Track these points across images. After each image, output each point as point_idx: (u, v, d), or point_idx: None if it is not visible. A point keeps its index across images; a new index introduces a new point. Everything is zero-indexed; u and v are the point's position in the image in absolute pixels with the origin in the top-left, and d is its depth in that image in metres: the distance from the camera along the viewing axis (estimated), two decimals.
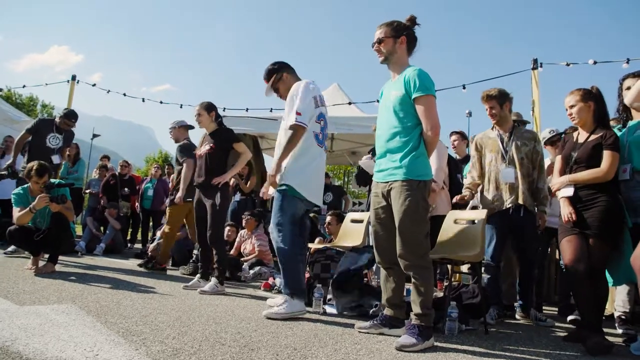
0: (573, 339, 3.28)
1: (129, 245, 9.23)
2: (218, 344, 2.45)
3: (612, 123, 4.14)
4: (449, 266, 4.16)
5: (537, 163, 3.99)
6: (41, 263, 4.85)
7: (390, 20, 3.09)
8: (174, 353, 2.22)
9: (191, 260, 6.08)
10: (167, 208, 5.88)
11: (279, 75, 3.91)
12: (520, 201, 3.89)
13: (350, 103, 8.79)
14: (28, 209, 4.68)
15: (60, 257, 5.36)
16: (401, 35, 3.01)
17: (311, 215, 6.65)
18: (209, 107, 4.87)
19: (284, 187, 3.57)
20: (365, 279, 4.62)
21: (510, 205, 3.92)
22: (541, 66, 6.37)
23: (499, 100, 3.99)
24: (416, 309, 2.79)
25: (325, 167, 3.97)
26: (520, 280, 4.06)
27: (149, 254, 6.65)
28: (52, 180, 5.13)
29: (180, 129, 5.88)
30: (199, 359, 2.16)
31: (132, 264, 6.58)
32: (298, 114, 3.55)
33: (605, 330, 3.19)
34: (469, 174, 4.26)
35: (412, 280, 2.86)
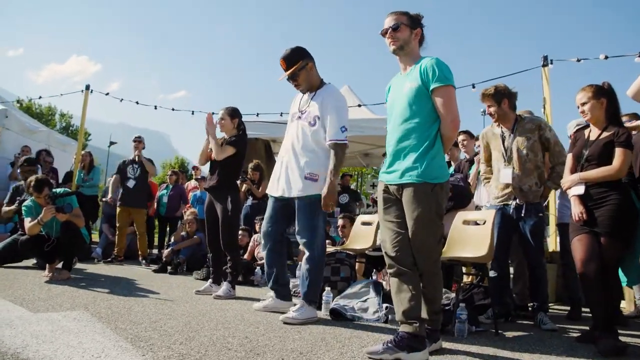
0: (586, 340, 3.23)
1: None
2: (225, 349, 2.46)
3: (624, 118, 4.07)
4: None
5: (551, 148, 3.94)
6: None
7: (401, 10, 2.85)
8: (180, 358, 2.24)
9: (205, 265, 6.13)
10: None
11: (305, 63, 3.70)
12: (520, 201, 3.87)
13: (360, 105, 8.77)
14: (36, 221, 4.81)
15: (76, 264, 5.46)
16: (417, 27, 2.82)
17: None
18: (234, 113, 4.81)
19: (320, 197, 3.52)
20: (377, 278, 4.60)
21: (511, 204, 3.90)
22: (551, 63, 6.29)
23: (495, 97, 3.94)
24: (423, 314, 2.69)
25: None
26: (529, 281, 4.02)
27: (164, 259, 6.73)
28: (56, 190, 5.25)
29: None
30: None
31: (147, 269, 6.67)
32: (344, 129, 3.56)
33: (619, 331, 3.13)
34: (482, 165, 4.33)
35: (421, 286, 2.70)
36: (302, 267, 3.60)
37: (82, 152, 9.07)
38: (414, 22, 2.81)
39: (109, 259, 7.24)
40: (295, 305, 3.51)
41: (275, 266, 3.81)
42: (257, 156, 8.93)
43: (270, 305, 3.80)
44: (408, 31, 2.79)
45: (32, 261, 5.88)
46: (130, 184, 7.35)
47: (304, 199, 3.56)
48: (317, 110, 3.64)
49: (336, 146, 3.54)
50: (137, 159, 7.53)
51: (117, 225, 7.42)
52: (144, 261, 7.32)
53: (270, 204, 3.83)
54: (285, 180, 3.66)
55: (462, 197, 4.56)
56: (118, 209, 7.43)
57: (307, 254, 3.58)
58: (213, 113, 4.80)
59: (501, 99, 3.95)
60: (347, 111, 3.72)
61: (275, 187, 3.75)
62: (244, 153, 4.83)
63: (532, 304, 4.00)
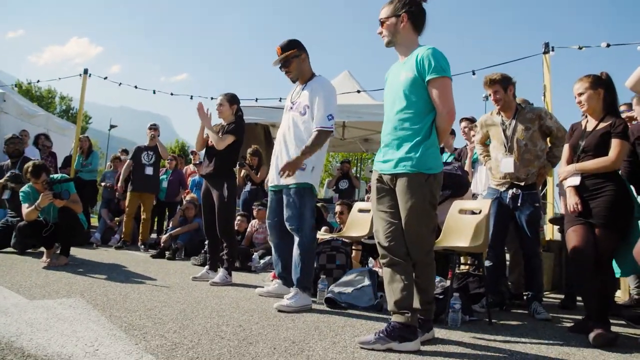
0: (578, 330, 3.25)
1: None
2: (217, 337, 2.48)
3: (622, 108, 4.05)
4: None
5: (554, 134, 3.94)
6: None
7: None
8: (172, 347, 2.25)
9: (202, 251, 6.15)
10: None
11: (299, 53, 3.83)
12: (517, 190, 3.89)
13: (359, 91, 8.73)
14: (34, 206, 4.82)
15: (74, 249, 5.48)
16: (401, 14, 2.72)
17: (319, 204, 6.68)
18: (232, 100, 4.80)
19: (309, 186, 3.68)
20: (373, 266, 4.63)
21: (508, 194, 3.91)
22: (553, 50, 6.23)
23: (503, 84, 3.93)
24: (416, 304, 2.69)
25: None
26: (524, 271, 4.04)
27: (162, 245, 6.75)
28: (54, 175, 5.26)
29: None
30: (197, 353, 2.19)
31: (146, 255, 6.69)
32: (331, 117, 3.62)
33: (611, 320, 3.15)
34: (478, 146, 4.39)
35: (414, 276, 2.70)
36: (294, 253, 3.66)
37: (81, 136, 9.05)
38: (397, 8, 2.74)
39: (118, 245, 7.26)
40: (290, 292, 3.54)
41: (283, 255, 3.92)
42: (256, 141, 8.92)
43: (274, 291, 3.91)
44: (393, 21, 2.74)
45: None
46: (149, 170, 7.43)
47: (292, 188, 3.67)
48: (307, 99, 3.73)
49: (320, 132, 3.61)
50: (151, 145, 7.61)
51: (127, 210, 7.47)
52: (142, 246, 7.34)
53: (269, 196, 3.97)
54: (276, 170, 3.76)
55: (459, 185, 4.56)
56: (129, 195, 7.45)
57: (296, 239, 3.66)
58: (212, 98, 4.78)
59: (507, 85, 3.94)
60: (336, 100, 3.77)
61: (271, 178, 3.91)
62: (242, 139, 4.82)
63: (527, 293, 4.02)
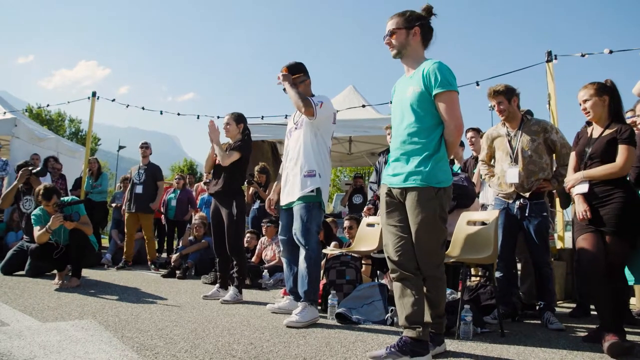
0: (593, 340, 3.21)
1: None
2: (229, 356, 2.49)
3: (628, 114, 4.04)
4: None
5: (557, 150, 3.93)
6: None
7: (403, 10, 2.82)
8: None
9: (213, 269, 6.16)
10: None
11: (305, 78, 3.98)
12: (524, 201, 3.88)
13: (364, 105, 8.77)
14: (45, 229, 4.87)
15: (86, 271, 5.52)
16: (414, 26, 2.73)
17: (328, 219, 6.69)
18: (239, 119, 4.86)
19: (317, 201, 3.73)
20: (383, 281, 4.60)
21: (515, 204, 3.91)
22: (556, 58, 6.22)
23: (507, 95, 3.95)
24: (427, 318, 2.68)
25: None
26: (535, 280, 4.01)
27: (172, 264, 6.78)
28: (64, 198, 5.33)
29: None
30: None
31: (156, 275, 6.72)
32: (319, 103, 3.76)
33: (628, 329, 3.11)
34: (482, 165, 4.34)
35: (425, 290, 2.69)
36: (300, 266, 3.71)
37: (90, 158, 9.15)
38: (409, 21, 2.75)
39: (120, 265, 7.29)
40: (298, 307, 3.55)
41: (294, 271, 3.97)
42: (263, 158, 8.97)
43: (285, 307, 3.93)
44: (404, 33, 2.75)
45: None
46: (138, 189, 7.40)
47: (301, 203, 3.73)
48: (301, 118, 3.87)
49: (308, 100, 3.74)
50: (144, 164, 7.59)
51: (126, 231, 7.48)
52: (152, 265, 7.37)
53: (281, 213, 4.05)
54: (288, 188, 3.86)
55: (465, 197, 4.55)
56: (126, 215, 7.49)
57: (303, 252, 3.70)
58: (218, 117, 4.83)
59: (511, 96, 3.96)
60: (330, 104, 3.93)
61: (283, 198, 3.97)
62: (248, 157, 4.87)
63: (539, 303, 3.99)
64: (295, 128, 3.94)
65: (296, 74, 3.92)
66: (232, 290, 4.55)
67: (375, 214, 5.07)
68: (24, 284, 4.99)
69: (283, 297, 4.55)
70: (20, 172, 6.49)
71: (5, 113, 10.10)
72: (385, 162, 5.16)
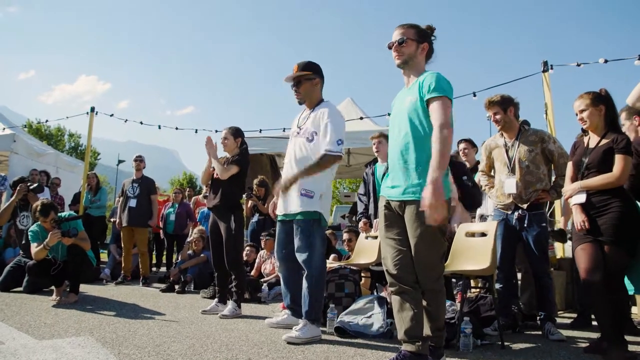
0: (594, 351, 3.19)
1: (152, 269, 9.35)
2: None
3: (622, 115, 3.99)
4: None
5: (555, 161, 3.93)
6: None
7: (411, 22, 2.83)
8: None
9: (212, 284, 6.13)
10: None
11: (313, 77, 3.80)
12: (522, 211, 3.87)
13: (362, 117, 8.79)
14: (42, 245, 4.86)
15: (84, 286, 5.49)
16: (425, 42, 2.78)
17: (328, 232, 6.67)
18: (236, 133, 4.87)
19: (317, 217, 3.63)
20: (383, 293, 4.56)
21: (514, 215, 3.90)
22: (552, 68, 6.25)
23: (502, 105, 3.96)
24: (426, 331, 2.66)
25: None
26: (535, 291, 3.99)
27: (172, 278, 6.74)
28: (62, 214, 5.32)
29: None
30: None
31: (155, 289, 6.67)
32: (340, 142, 3.58)
33: (630, 339, 3.09)
34: (482, 176, 4.32)
35: (424, 304, 2.66)
36: (303, 286, 3.62)
37: (89, 173, 9.15)
38: (421, 36, 2.78)
39: (119, 280, 7.23)
40: (299, 324, 3.51)
41: (291, 287, 3.89)
42: (262, 172, 8.96)
43: (283, 322, 3.87)
44: (414, 45, 2.77)
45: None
46: (132, 203, 7.33)
47: (301, 219, 3.62)
48: (314, 125, 3.69)
49: (327, 155, 3.55)
50: (137, 178, 7.54)
51: (123, 245, 7.43)
52: (142, 280, 7.25)
53: (277, 227, 3.92)
54: (284, 199, 3.74)
55: (471, 198, 4.50)
56: (122, 230, 7.44)
57: (305, 272, 3.60)
58: (216, 131, 4.84)
59: (507, 106, 3.96)
60: (344, 126, 3.74)
61: (279, 208, 3.85)
62: (246, 171, 4.87)
63: (539, 313, 3.96)
64: (298, 133, 3.79)
65: (305, 71, 3.77)
66: (230, 304, 4.52)
67: (370, 226, 5.04)
68: (22, 300, 4.96)
69: (282, 310, 4.50)
70: (17, 187, 6.49)
71: (4, 129, 10.12)
72: (373, 174, 5.16)
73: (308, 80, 3.79)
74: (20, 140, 9.86)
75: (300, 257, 3.60)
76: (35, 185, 6.80)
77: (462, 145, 5.58)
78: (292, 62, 3.83)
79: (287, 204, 3.71)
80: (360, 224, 5.38)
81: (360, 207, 5.45)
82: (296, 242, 3.64)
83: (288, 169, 3.77)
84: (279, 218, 3.88)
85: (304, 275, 3.61)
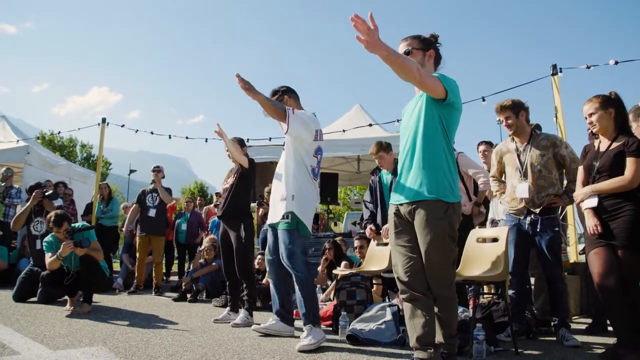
0: (610, 357, 3.14)
1: (164, 279, 9.38)
2: None
3: (630, 116, 3.95)
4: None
5: (567, 165, 3.90)
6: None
7: (414, 34, 2.88)
8: None
9: (224, 292, 6.14)
10: None
11: (281, 97, 3.95)
12: (535, 216, 3.83)
13: (371, 125, 8.80)
14: (55, 256, 4.92)
15: (97, 296, 5.53)
16: (430, 49, 2.83)
17: (337, 239, 6.67)
18: (240, 143, 5.03)
19: (293, 227, 3.67)
20: (394, 300, 4.53)
21: (526, 220, 3.86)
22: (561, 71, 6.21)
23: (514, 109, 3.94)
24: (439, 338, 2.66)
25: (318, 198, 4.02)
26: (549, 296, 3.95)
27: (184, 287, 6.77)
28: (75, 224, 5.38)
29: None
30: None
31: (167, 298, 6.70)
32: (292, 110, 3.70)
33: None
34: (493, 181, 4.31)
35: (436, 310, 2.66)
36: (295, 290, 3.68)
37: (100, 183, 9.24)
38: (426, 44, 2.82)
39: (131, 290, 7.25)
40: (304, 332, 3.51)
41: (280, 292, 3.96)
42: (272, 180, 8.97)
43: (271, 328, 3.88)
44: (420, 54, 2.80)
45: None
46: (152, 212, 7.37)
47: (281, 229, 3.73)
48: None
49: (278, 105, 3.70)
50: (156, 188, 7.54)
51: (137, 255, 7.46)
52: (155, 290, 7.27)
53: (268, 233, 4.05)
54: (272, 208, 3.92)
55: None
56: (138, 239, 7.47)
57: (293, 276, 3.68)
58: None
59: (519, 110, 3.95)
60: (309, 119, 3.83)
61: (269, 216, 3.99)
62: (253, 178, 4.97)
63: (553, 319, 3.92)
64: (284, 147, 3.95)
65: (273, 96, 3.95)
66: (242, 313, 4.52)
67: (378, 233, 5.02)
68: (36, 310, 5.00)
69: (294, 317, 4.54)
70: (33, 193, 6.57)
71: (18, 141, 10.27)
72: (380, 181, 5.15)
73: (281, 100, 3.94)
74: (33, 152, 10.01)
75: (286, 262, 3.70)
76: (51, 191, 6.88)
77: (482, 147, 5.55)
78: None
79: (274, 214, 3.85)
80: (367, 230, 5.38)
81: (366, 214, 5.44)
82: (280, 249, 3.75)
83: (275, 179, 3.99)
84: (268, 224, 4.01)
85: (294, 279, 3.68)
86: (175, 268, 9.82)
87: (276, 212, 3.81)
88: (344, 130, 8.70)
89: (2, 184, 8.26)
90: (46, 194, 6.67)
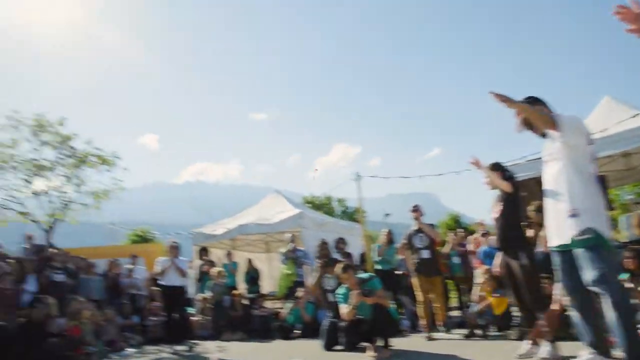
0: None
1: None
2: None
3: None
4: None
5: None
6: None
7: None
8: None
9: (516, 324, 5.83)
10: None
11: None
12: None
13: (635, 115, 7.54)
14: (350, 307, 5.45)
15: (393, 340, 5.84)
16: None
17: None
18: (495, 167, 4.86)
19: (597, 243, 3.27)
20: None
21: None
22: None
23: None
24: None
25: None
26: None
27: (470, 323, 6.64)
28: (362, 275, 5.84)
29: None
30: None
31: (455, 336, 6.65)
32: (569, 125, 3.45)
33: None
34: None
35: None
36: (609, 317, 3.17)
37: (382, 231, 9.89)
38: None
39: (420, 330, 7.30)
40: None
41: (588, 322, 3.47)
42: (535, 198, 8.37)
43: None
44: None
45: None
46: (425, 254, 7.27)
47: (582, 248, 3.31)
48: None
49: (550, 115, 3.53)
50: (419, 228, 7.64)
51: (418, 295, 7.51)
52: (442, 328, 7.23)
53: (556, 257, 3.64)
54: (556, 228, 3.54)
55: None
56: (415, 280, 7.55)
57: (606, 301, 3.17)
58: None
59: None
60: (578, 121, 3.57)
61: (553, 239, 3.62)
62: (519, 199, 4.77)
63: None
64: (551, 159, 3.64)
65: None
66: (545, 345, 4.20)
67: None
68: (345, 358, 5.49)
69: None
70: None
71: (292, 209, 11.83)
72: None
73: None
74: (306, 216, 11.36)
75: (595, 287, 3.24)
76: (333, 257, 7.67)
77: None
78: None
79: (561, 234, 3.47)
80: None
81: None
82: (587, 274, 3.28)
83: (550, 199, 3.62)
84: (554, 249, 3.61)
85: (608, 304, 3.16)
86: (453, 302, 9.73)
87: (563, 232, 3.45)
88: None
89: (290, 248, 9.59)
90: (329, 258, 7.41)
